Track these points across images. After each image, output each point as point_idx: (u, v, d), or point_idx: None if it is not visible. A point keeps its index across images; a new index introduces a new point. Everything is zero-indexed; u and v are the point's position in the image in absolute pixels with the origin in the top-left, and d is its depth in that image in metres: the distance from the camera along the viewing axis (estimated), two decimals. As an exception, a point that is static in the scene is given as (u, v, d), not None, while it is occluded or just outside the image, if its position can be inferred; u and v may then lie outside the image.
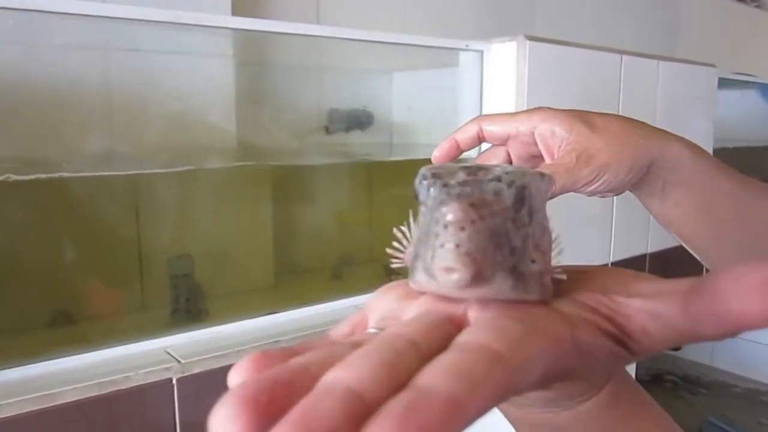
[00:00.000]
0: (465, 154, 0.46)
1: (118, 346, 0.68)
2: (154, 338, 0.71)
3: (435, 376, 0.17)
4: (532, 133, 0.44)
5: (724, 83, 1.46)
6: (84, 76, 0.84)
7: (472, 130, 0.45)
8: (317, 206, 1.16)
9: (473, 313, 0.22)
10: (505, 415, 0.27)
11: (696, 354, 1.94)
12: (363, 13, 1.31)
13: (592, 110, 0.44)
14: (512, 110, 0.94)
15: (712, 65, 1.35)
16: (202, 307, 0.86)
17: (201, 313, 0.86)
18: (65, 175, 0.62)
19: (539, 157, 0.45)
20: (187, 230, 0.92)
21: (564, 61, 0.98)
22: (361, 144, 1.21)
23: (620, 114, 0.51)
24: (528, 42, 0.92)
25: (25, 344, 0.73)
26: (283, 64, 1.16)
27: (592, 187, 0.42)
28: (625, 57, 1.10)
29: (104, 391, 0.61)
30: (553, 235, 0.24)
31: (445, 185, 0.21)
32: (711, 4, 2.15)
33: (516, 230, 0.21)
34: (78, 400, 0.60)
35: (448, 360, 0.17)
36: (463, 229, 0.20)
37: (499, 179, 0.21)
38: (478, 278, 0.20)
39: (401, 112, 1.26)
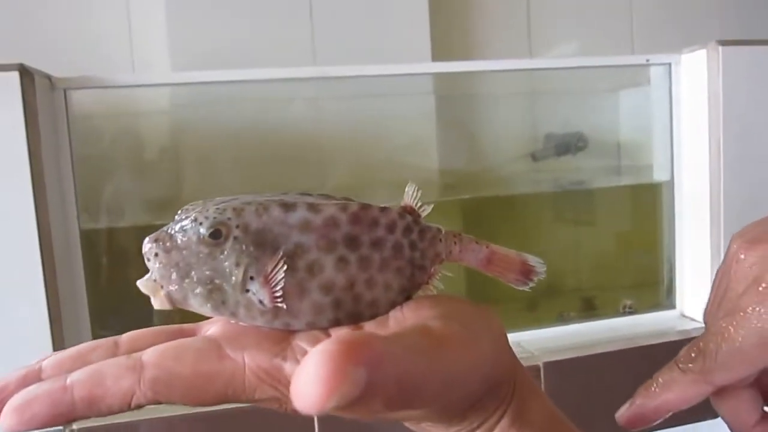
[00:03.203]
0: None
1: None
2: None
3: (81, 368, 0.21)
4: None
5: None
6: (298, 124, 1.01)
7: (694, 396, 0.23)
8: (510, 236, 1.15)
9: (211, 330, 0.25)
10: None
11: None
12: (577, 38, 1.25)
13: None
14: (704, 127, 0.81)
15: None
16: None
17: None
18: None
19: None
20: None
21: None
22: (572, 169, 1.16)
23: None
24: (720, 47, 0.79)
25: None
26: (489, 94, 1.19)
27: None
28: None
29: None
30: (283, 268, 0.23)
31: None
32: None
33: (213, 261, 0.23)
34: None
35: (104, 362, 0.21)
36: (149, 260, 0.24)
37: (190, 218, 0.23)
38: (170, 300, 0.24)
39: (625, 134, 1.17)
